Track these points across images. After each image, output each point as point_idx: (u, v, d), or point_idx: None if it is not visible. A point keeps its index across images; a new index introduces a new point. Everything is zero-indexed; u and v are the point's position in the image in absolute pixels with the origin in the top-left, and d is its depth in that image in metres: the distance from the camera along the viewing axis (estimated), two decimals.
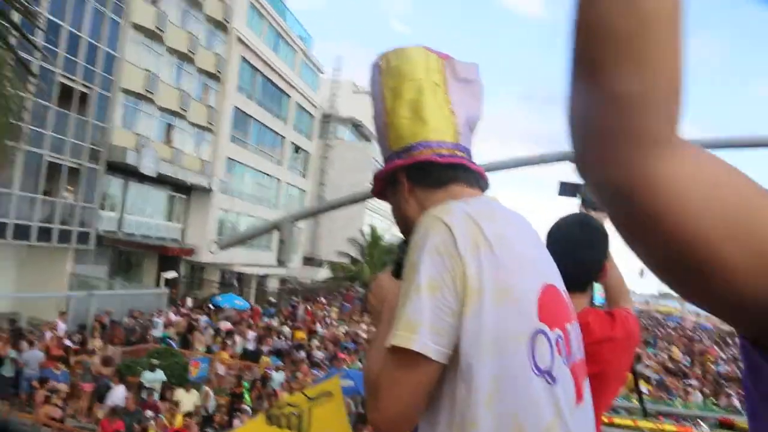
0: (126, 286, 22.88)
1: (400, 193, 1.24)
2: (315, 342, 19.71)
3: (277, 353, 17.06)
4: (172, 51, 25.54)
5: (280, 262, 3.42)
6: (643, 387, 16.20)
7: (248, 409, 11.05)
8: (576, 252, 1.69)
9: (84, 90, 20.91)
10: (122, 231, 24.59)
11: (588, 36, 0.44)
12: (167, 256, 26.53)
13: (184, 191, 28.40)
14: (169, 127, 26.63)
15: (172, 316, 19.51)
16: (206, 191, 28.54)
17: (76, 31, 20.21)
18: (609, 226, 2.14)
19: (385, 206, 1.34)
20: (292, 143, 38.63)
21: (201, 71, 27.72)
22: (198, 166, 28.03)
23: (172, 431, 9.65)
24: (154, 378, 12.22)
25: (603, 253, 1.76)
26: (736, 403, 15.58)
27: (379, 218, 46.03)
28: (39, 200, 19.78)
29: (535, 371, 1.01)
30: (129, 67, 22.97)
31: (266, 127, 34.51)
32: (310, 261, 45.11)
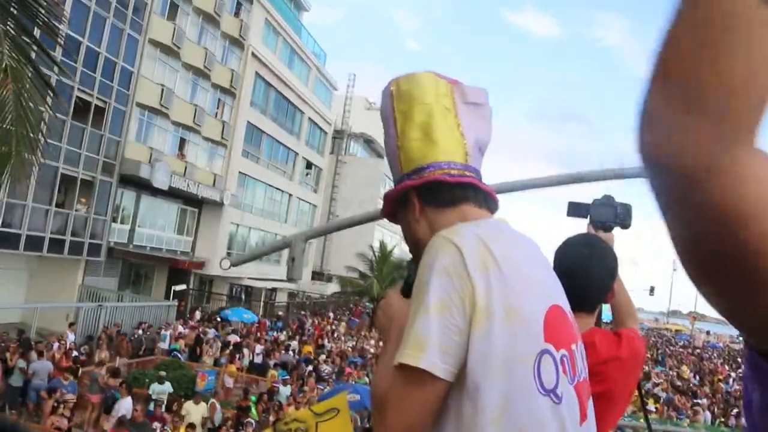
0: (135, 298, 22.98)
1: (410, 213, 1.25)
2: (322, 356, 19.68)
3: (284, 366, 17.08)
4: (188, 67, 25.87)
5: (291, 280, 3.45)
6: (652, 405, 16.07)
7: (254, 422, 11.04)
8: (584, 273, 1.70)
9: (100, 104, 21.21)
10: (133, 243, 24.76)
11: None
12: (177, 269, 26.63)
13: (195, 205, 28.59)
14: (183, 141, 26.88)
15: (180, 329, 19.58)
16: (217, 205, 28.71)
17: (94, 47, 20.57)
18: (616, 247, 2.17)
19: None
20: (304, 159, 38.81)
21: (216, 86, 28.02)
22: (210, 180, 28.23)
23: None
24: (162, 390, 12.25)
25: (611, 274, 1.76)
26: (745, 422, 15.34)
27: (388, 233, 46.05)
28: (52, 212, 19.99)
29: (541, 391, 1.02)
30: (145, 82, 23.28)
31: (279, 142, 34.73)
32: (319, 275, 45.09)
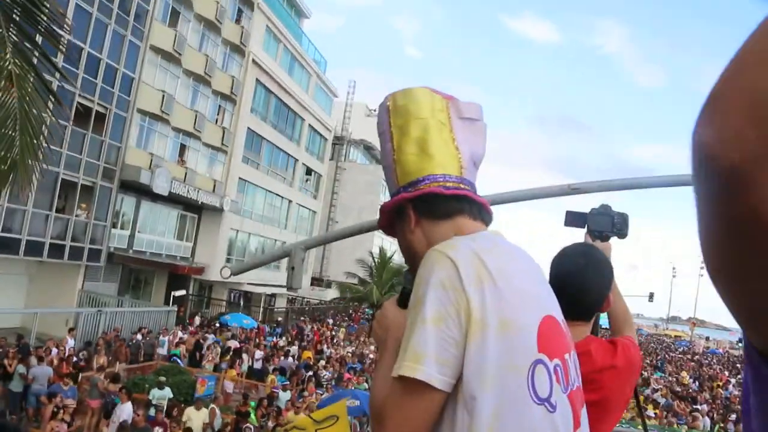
0: (135, 304, 22.98)
1: (406, 225, 1.27)
2: (321, 362, 19.69)
3: (282, 372, 17.08)
4: (189, 73, 25.97)
5: (291, 289, 3.46)
6: (651, 411, 16.09)
7: (253, 428, 11.04)
8: (580, 283, 1.71)
9: (101, 110, 21.28)
10: (133, 249, 24.79)
11: None
12: (177, 274, 26.66)
13: (195, 210, 28.63)
14: (183, 147, 26.95)
15: (180, 334, 19.59)
16: (217, 211, 28.75)
17: (96, 53, 20.67)
18: (612, 257, 2.20)
19: None
20: (304, 165, 38.88)
21: (216, 93, 28.11)
22: (210, 186, 28.28)
23: None
24: (162, 395, 12.25)
25: (606, 283, 1.77)
26: None
27: (388, 240, 46.04)
28: (52, 217, 20.01)
29: (535, 400, 1.05)
30: (146, 89, 23.36)
31: (279, 148, 34.81)
32: (318, 281, 45.10)
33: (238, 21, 29.28)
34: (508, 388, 1.03)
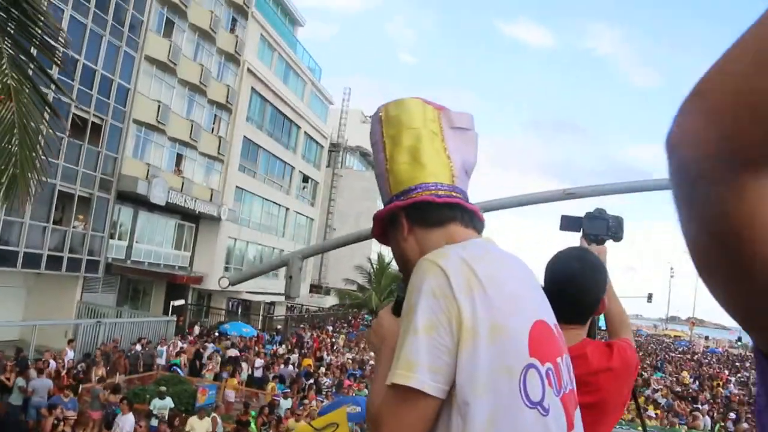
0: (134, 314, 22.92)
1: (399, 233, 1.28)
2: (322, 369, 19.67)
3: (282, 380, 17.06)
4: (184, 83, 26.01)
5: (288, 298, 3.48)
6: (652, 412, 16.12)
7: None
8: (574, 286, 1.73)
9: (97, 121, 21.29)
10: (131, 259, 24.76)
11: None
12: (175, 284, 26.61)
13: (192, 220, 28.62)
14: (180, 156, 26.96)
15: (179, 344, 19.56)
16: (215, 220, 28.74)
17: (91, 65, 20.70)
18: (610, 259, 2.23)
19: None
20: (301, 173, 38.92)
21: (212, 102, 28.15)
22: (207, 195, 28.29)
23: None
24: (163, 405, 12.23)
25: (601, 287, 1.78)
26: (745, 426, 15.47)
27: (386, 246, 46.07)
28: (49, 229, 19.99)
29: (528, 404, 1.06)
30: (141, 99, 23.40)
31: (275, 156, 34.85)
32: (317, 288, 45.06)
33: (232, 30, 29.36)
34: (500, 393, 1.04)
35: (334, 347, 26.18)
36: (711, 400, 21.41)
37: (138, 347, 18.14)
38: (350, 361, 22.43)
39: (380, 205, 1.39)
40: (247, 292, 30.72)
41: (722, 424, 16.78)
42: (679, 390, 22.53)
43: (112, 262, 23.24)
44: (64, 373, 14.11)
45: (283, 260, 3.42)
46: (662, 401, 18.83)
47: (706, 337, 77.55)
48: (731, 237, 0.45)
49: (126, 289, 25.74)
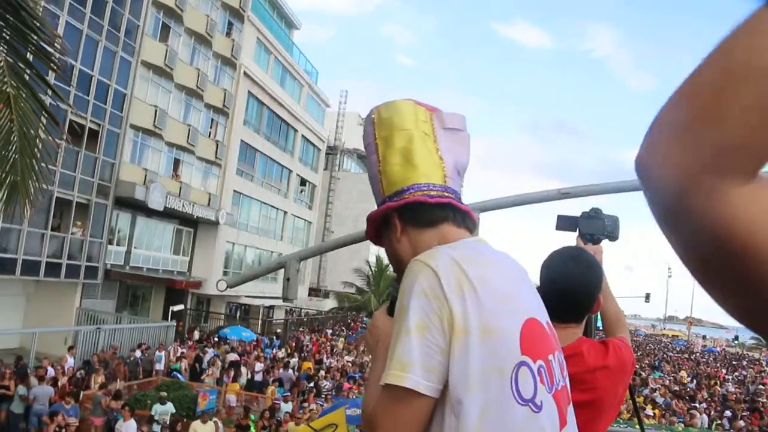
0: (134, 320, 22.91)
1: (392, 234, 1.29)
2: (322, 372, 19.68)
3: (281, 383, 17.07)
4: (181, 87, 26.02)
5: (286, 300, 3.49)
6: (650, 411, 16.19)
7: None
8: (570, 285, 1.75)
9: (93, 127, 21.28)
10: (129, 265, 24.73)
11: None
12: (174, 289, 26.58)
13: (190, 224, 28.61)
14: (177, 161, 26.96)
15: (179, 349, 19.55)
16: (213, 224, 28.73)
17: (87, 70, 20.69)
18: (607, 259, 2.25)
19: None
20: (298, 176, 38.92)
21: (209, 106, 28.16)
22: (205, 199, 28.28)
23: None
24: (164, 410, 12.24)
25: (596, 286, 1.79)
26: (741, 423, 15.54)
27: None
28: (48, 236, 19.97)
29: (519, 401, 1.08)
30: (138, 104, 23.39)
31: (272, 160, 34.85)
32: (316, 292, 45.04)
33: (228, 34, 29.37)
34: (492, 391, 1.06)
35: (334, 350, 26.17)
36: (708, 399, 21.49)
37: (138, 353, 18.12)
38: (350, 364, 22.43)
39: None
40: (246, 296, 30.71)
41: (719, 421, 16.87)
42: (677, 389, 22.59)
43: (110, 268, 23.21)
44: (65, 380, 14.07)
45: (280, 262, 3.45)
46: (660, 400, 18.90)
47: (704, 337, 77.86)
48: (730, 244, 0.46)
49: (125, 294, 25.72)
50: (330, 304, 44.35)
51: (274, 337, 27.24)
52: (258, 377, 17.95)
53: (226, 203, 29.71)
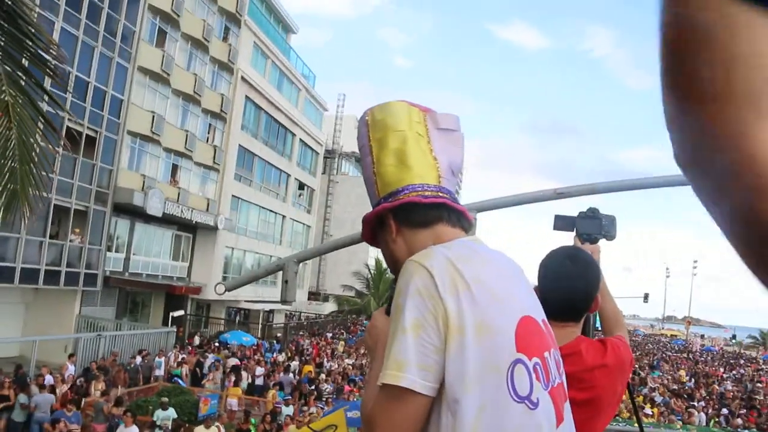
0: (134, 326, 22.87)
1: (388, 234, 1.30)
2: (322, 375, 19.69)
3: (282, 387, 17.07)
4: (178, 93, 26.02)
5: (285, 302, 3.51)
6: (649, 409, 16.24)
7: None
8: (567, 284, 1.75)
9: (91, 134, 21.27)
10: (129, 271, 24.70)
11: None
12: (174, 295, 26.57)
13: (189, 230, 28.58)
14: (175, 167, 26.94)
15: (180, 354, 19.54)
16: (212, 229, 28.72)
17: (84, 77, 20.68)
18: (605, 259, 2.26)
19: None
20: (297, 180, 38.93)
21: (206, 111, 28.15)
22: (203, 205, 28.27)
23: None
24: (166, 416, 12.23)
25: (594, 285, 1.80)
26: (739, 421, 15.61)
27: None
28: (46, 243, 19.94)
29: (515, 398, 1.09)
30: (135, 110, 23.39)
31: (270, 164, 34.86)
32: (315, 295, 45.02)
33: (225, 39, 29.39)
34: (488, 389, 1.07)
35: (334, 354, 26.15)
36: (707, 397, 21.60)
37: (138, 359, 18.10)
38: (350, 366, 22.42)
39: None
40: (245, 300, 30.69)
41: (717, 419, 16.94)
42: (676, 388, 22.65)
43: (110, 275, 23.19)
44: (67, 388, 14.03)
45: (278, 265, 3.45)
46: (659, 399, 18.96)
47: (702, 336, 78.00)
48: None
49: (125, 301, 25.69)
50: (329, 307, 44.34)
51: (275, 342, 27.23)
52: (259, 381, 17.95)
53: (224, 208, 29.70)
